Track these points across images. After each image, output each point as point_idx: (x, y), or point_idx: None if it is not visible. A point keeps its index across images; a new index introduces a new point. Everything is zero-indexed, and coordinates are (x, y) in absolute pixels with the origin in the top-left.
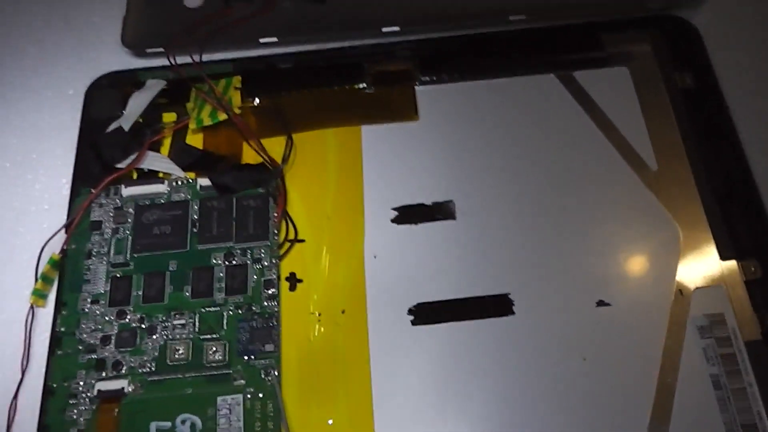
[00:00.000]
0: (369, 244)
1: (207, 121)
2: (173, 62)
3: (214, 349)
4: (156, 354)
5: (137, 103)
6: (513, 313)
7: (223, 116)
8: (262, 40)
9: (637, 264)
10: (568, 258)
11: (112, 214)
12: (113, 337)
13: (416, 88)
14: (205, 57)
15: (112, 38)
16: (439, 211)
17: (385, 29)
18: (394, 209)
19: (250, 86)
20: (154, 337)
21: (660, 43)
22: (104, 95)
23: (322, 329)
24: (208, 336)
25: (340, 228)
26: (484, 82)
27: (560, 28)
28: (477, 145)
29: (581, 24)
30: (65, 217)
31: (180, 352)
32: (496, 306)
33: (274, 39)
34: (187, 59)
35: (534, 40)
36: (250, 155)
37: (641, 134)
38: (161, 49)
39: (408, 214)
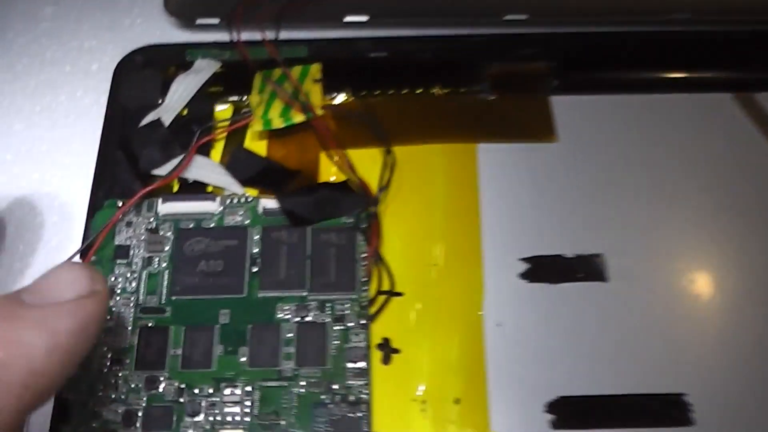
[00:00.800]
0: (490, 307)
1: (278, 123)
2: (237, 39)
3: None
4: None
5: (182, 90)
6: (691, 423)
7: (299, 117)
8: (347, 19)
9: None
10: (763, 350)
11: (144, 238)
12: (140, 414)
13: (552, 98)
14: (273, 36)
15: (152, 2)
16: (585, 268)
17: (508, 17)
18: (523, 260)
19: (331, 78)
20: (198, 419)
21: None
22: (138, 75)
23: (428, 425)
24: (272, 422)
25: (451, 281)
26: (642, 97)
27: (737, 34)
28: (635, 181)
29: (765, 31)
30: (81, 236)
31: None
32: (668, 411)
33: (364, 18)
34: (252, 36)
35: (704, 48)
36: (328, 172)
37: None
38: (216, 21)
39: (542, 269)
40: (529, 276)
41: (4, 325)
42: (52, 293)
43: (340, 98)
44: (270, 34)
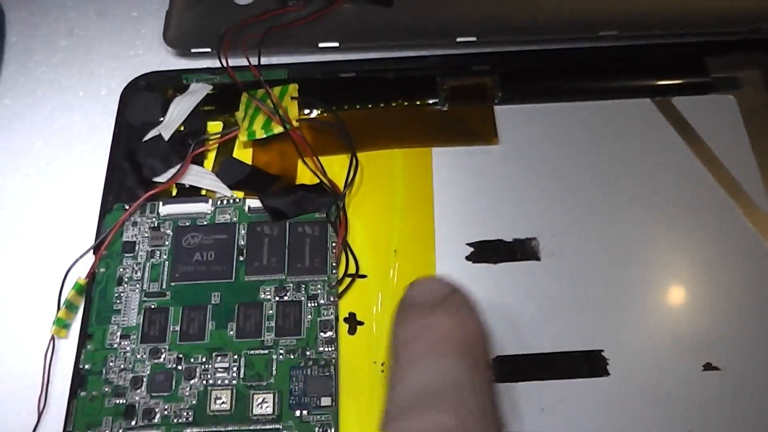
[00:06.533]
0: None
1: (260, 134)
2: (225, 64)
3: (262, 399)
4: (194, 402)
5: (179, 109)
6: (607, 373)
7: (278, 129)
8: (321, 45)
9: (748, 322)
10: (669, 312)
11: (147, 235)
12: (145, 380)
13: (496, 107)
14: (256, 61)
15: (153, 34)
16: (521, 250)
17: (460, 39)
18: (469, 245)
19: (307, 96)
20: (193, 381)
21: None
22: (142, 98)
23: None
24: (255, 383)
25: (407, 264)
26: (573, 104)
27: (657, 47)
28: (565, 175)
29: (681, 44)
30: (94, 235)
31: (222, 401)
32: (588, 364)
33: (335, 44)
34: (238, 62)
35: (628, 60)
36: (305, 176)
37: (751, 172)
38: (208, 49)
39: (484, 252)
40: (474, 258)
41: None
42: (435, 296)
43: (315, 113)
44: (254, 60)
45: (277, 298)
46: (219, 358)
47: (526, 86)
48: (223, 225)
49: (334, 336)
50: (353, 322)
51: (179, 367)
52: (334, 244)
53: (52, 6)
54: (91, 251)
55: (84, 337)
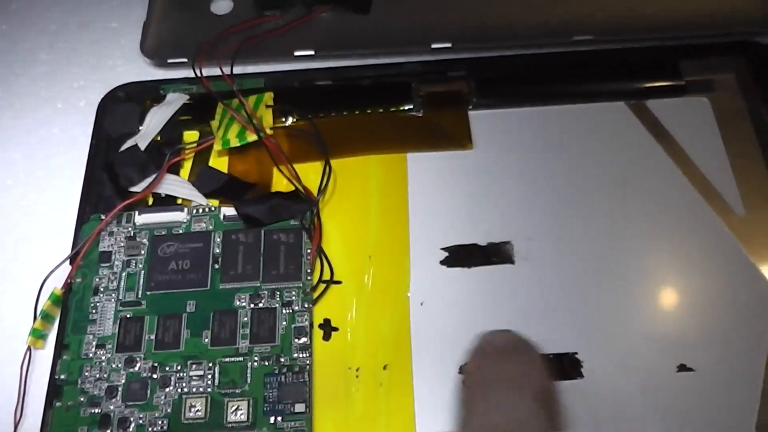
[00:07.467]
0: (415, 289)
1: (234, 142)
2: (200, 74)
3: (237, 406)
4: (169, 410)
5: (156, 119)
6: (581, 375)
7: (252, 137)
8: (297, 53)
9: (722, 324)
10: (643, 314)
11: (123, 245)
12: (120, 389)
13: (470, 112)
14: (236, 69)
15: (131, 46)
16: (495, 254)
17: (435, 45)
18: (444, 249)
19: (283, 104)
20: (168, 390)
21: (744, 73)
22: (119, 108)
23: (362, 388)
24: (230, 391)
25: (382, 269)
26: (547, 108)
27: (632, 51)
28: (539, 179)
29: (655, 48)
30: (71, 245)
31: (197, 408)
32: (562, 367)
33: (311, 52)
34: (215, 71)
35: (602, 64)
36: (281, 183)
37: (725, 174)
38: (184, 60)
39: (459, 256)
40: (448, 262)
41: None
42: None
43: (291, 120)
44: (231, 69)
45: (252, 306)
46: (194, 366)
47: (501, 91)
48: (199, 233)
49: (308, 342)
50: (328, 328)
51: (154, 376)
52: (308, 251)
53: (35, 20)
54: (68, 261)
55: (60, 347)
